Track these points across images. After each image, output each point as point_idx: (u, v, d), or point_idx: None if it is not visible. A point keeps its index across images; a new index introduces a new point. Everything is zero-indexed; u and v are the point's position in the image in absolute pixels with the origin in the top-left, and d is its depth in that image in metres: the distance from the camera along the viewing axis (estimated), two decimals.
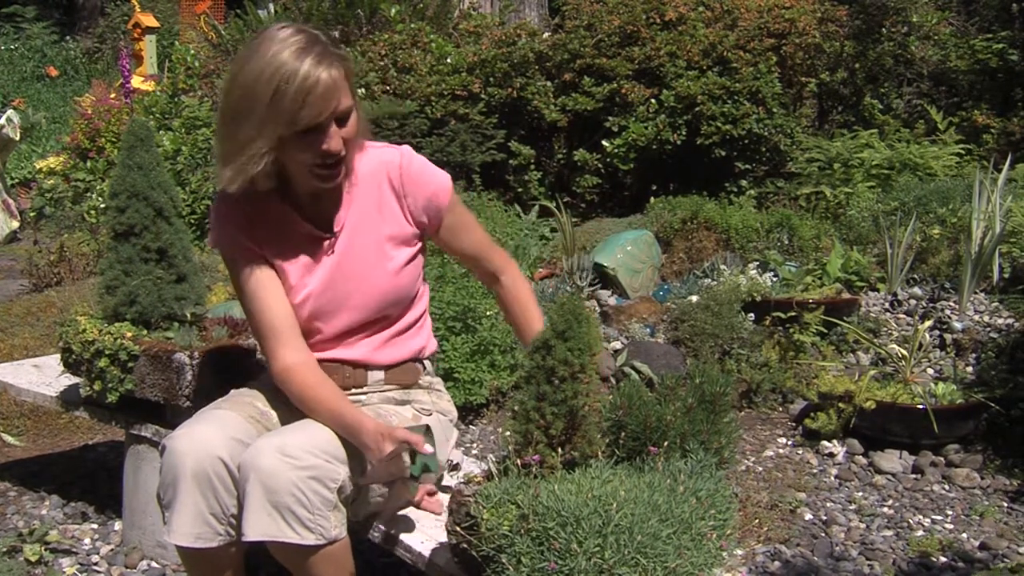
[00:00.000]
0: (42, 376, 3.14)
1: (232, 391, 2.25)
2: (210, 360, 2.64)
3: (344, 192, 2.14)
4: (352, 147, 2.04)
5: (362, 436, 1.94)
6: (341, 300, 2.13)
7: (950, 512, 3.24)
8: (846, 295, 4.56)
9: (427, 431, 2.04)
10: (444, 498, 2.02)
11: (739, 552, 2.82)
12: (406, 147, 2.18)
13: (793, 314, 4.24)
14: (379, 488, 2.07)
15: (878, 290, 4.82)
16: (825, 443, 3.70)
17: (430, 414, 2.24)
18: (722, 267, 4.87)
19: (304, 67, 1.88)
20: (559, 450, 1.74)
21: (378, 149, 2.17)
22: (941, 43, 7.61)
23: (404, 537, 2.13)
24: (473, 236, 2.27)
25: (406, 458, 2.00)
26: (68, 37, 15.37)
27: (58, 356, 2.89)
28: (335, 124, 1.96)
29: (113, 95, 8.21)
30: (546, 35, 6.82)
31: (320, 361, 2.13)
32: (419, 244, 2.22)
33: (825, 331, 4.31)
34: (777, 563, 2.87)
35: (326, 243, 2.13)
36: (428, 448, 1.95)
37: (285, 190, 2.12)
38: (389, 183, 2.15)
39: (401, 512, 2.20)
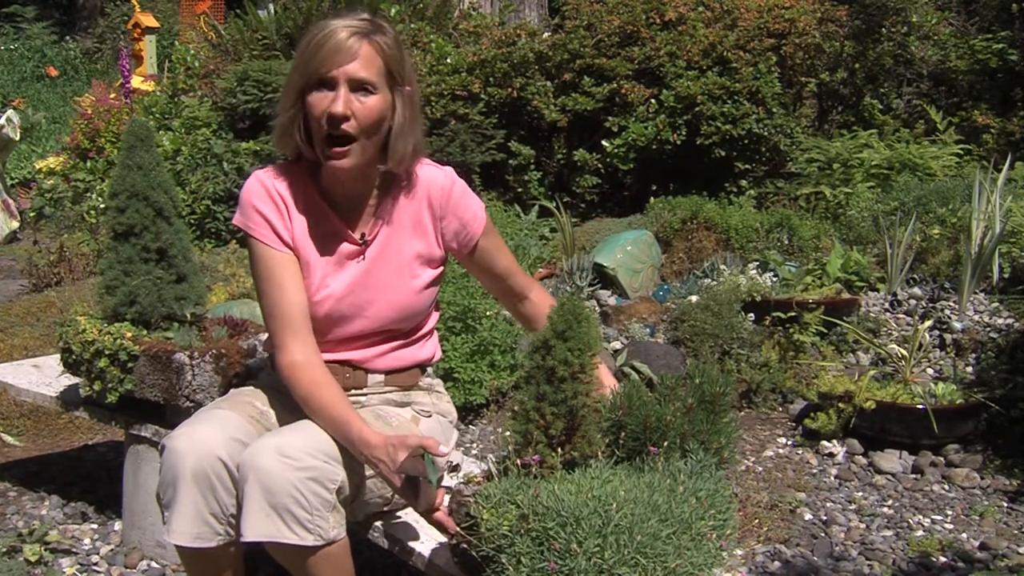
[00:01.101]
0: (42, 376, 3.14)
1: (231, 390, 2.25)
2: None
3: (382, 201, 2.14)
4: (373, 137, 2.03)
5: (372, 451, 1.91)
6: (360, 308, 2.13)
7: (950, 512, 3.24)
8: (846, 295, 4.56)
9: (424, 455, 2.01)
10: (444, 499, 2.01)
11: (739, 552, 2.82)
12: (450, 169, 2.19)
13: (793, 314, 4.24)
14: (378, 490, 2.06)
15: (878, 290, 4.82)
16: (825, 443, 3.70)
17: (430, 415, 2.24)
18: (722, 267, 4.87)
19: (333, 25, 2.00)
20: (559, 450, 1.74)
21: (424, 167, 2.17)
22: (941, 43, 7.61)
23: (403, 537, 2.12)
24: (506, 258, 2.28)
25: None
26: (68, 37, 15.36)
27: (58, 356, 2.89)
28: (350, 91, 1.98)
29: (113, 95, 8.21)
30: (546, 35, 6.81)
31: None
32: (442, 268, 2.22)
33: (825, 331, 4.31)
34: (777, 563, 2.87)
35: (356, 249, 2.13)
36: (444, 449, 1.92)
37: (322, 187, 2.13)
38: (429, 203, 2.15)
39: (401, 513, 2.20)
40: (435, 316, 2.29)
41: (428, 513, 1.93)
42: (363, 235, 2.13)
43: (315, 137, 2.03)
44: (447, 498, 1.90)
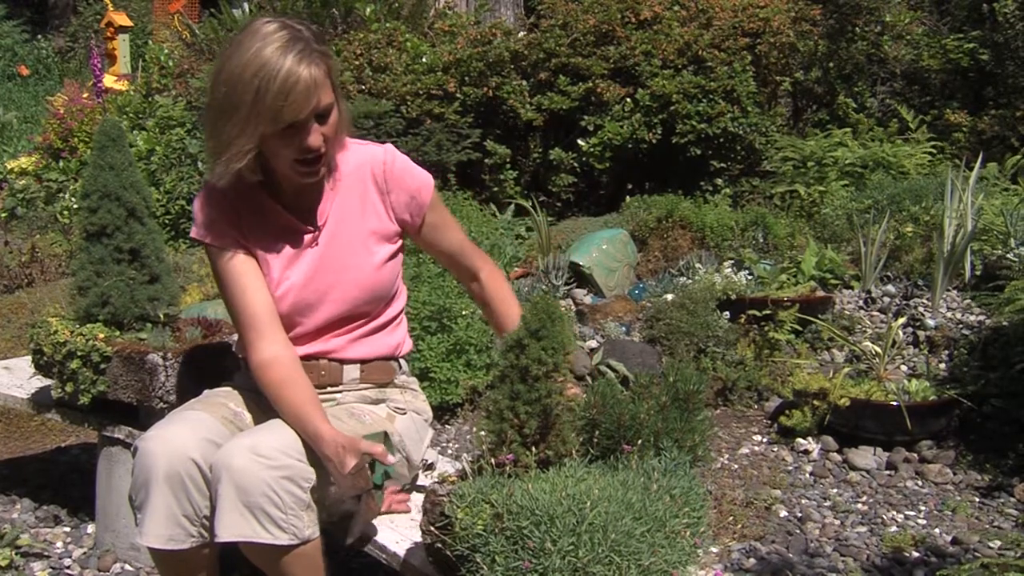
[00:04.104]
0: (13, 378, 3.11)
1: (205, 391, 2.24)
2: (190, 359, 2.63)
3: (328, 187, 2.16)
4: (334, 143, 2.07)
5: (321, 447, 1.91)
6: (323, 293, 2.14)
7: (923, 508, 3.27)
8: (820, 293, 4.58)
9: (386, 437, 2.02)
10: (418, 498, 2.01)
11: (714, 549, 2.83)
12: (390, 145, 2.21)
13: (768, 312, 4.26)
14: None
15: (852, 288, 4.84)
16: (800, 440, 3.72)
17: (404, 413, 2.24)
18: (697, 265, 4.88)
19: (286, 65, 1.91)
20: (533, 449, 1.74)
21: (363, 146, 2.20)
22: (913, 42, 7.67)
23: (378, 537, 2.12)
24: (454, 235, 2.30)
25: (368, 471, 1.97)
26: (40, 36, 15.19)
27: (29, 358, 2.87)
28: (316, 121, 1.99)
29: (86, 95, 8.13)
30: (521, 34, 6.81)
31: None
32: (400, 242, 2.23)
33: (800, 329, 4.33)
34: (752, 560, 2.88)
35: (309, 236, 2.14)
36: (391, 459, 1.93)
37: (270, 183, 2.13)
38: (373, 179, 2.17)
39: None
40: (401, 300, 2.30)
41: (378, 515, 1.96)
42: (314, 222, 2.15)
43: (280, 164, 2.03)
44: (421, 497, 1.89)
